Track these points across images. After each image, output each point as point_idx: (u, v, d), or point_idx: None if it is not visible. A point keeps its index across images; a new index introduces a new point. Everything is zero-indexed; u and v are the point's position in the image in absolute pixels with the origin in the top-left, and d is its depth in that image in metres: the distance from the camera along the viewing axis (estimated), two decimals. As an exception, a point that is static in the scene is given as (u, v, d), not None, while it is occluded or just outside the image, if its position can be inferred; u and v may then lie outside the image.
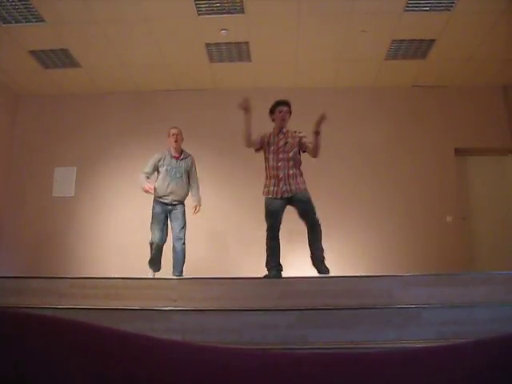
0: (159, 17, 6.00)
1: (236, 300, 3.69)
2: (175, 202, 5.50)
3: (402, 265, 6.67)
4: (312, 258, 4.72)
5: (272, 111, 5.02)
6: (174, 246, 5.50)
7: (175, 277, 5.25)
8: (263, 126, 7.67)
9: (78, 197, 7.58)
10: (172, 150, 5.62)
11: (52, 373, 0.95)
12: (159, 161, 5.56)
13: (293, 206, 4.81)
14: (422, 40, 6.50)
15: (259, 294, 3.77)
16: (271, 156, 4.87)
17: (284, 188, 4.75)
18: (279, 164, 4.79)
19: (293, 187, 4.74)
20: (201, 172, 7.56)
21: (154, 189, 5.44)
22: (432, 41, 6.50)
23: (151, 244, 5.45)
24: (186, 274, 5.74)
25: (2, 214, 7.53)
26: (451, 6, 5.74)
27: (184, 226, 5.56)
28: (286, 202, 4.80)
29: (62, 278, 4.48)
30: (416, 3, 5.72)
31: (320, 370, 1.01)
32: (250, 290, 3.85)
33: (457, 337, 2.95)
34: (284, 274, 4.95)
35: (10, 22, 6.01)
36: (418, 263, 6.70)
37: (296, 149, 4.84)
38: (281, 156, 4.80)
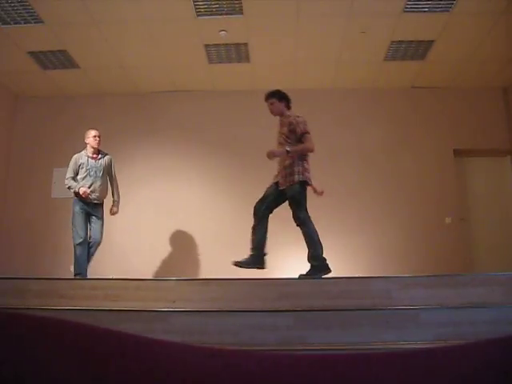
0: (158, 18, 6.00)
1: (235, 301, 3.69)
2: (96, 201, 5.61)
3: (401, 266, 6.68)
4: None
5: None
6: (89, 249, 5.53)
7: (78, 277, 5.26)
8: (262, 126, 7.69)
9: (77, 198, 7.57)
10: (89, 151, 5.71)
11: (51, 374, 0.95)
12: (77, 163, 5.64)
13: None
14: (421, 41, 6.50)
15: (258, 295, 3.77)
16: None
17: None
18: None
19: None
20: (200, 172, 7.59)
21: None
22: (431, 42, 6.51)
23: (79, 244, 5.44)
24: (185, 275, 5.72)
25: (2, 215, 7.52)
26: (450, 7, 5.75)
27: (102, 229, 5.67)
28: None
29: (61, 279, 4.48)
30: (415, 4, 5.72)
31: (319, 371, 1.01)
32: (249, 291, 3.85)
33: (455, 338, 2.95)
34: (283, 275, 4.95)
35: (9, 23, 6.01)
36: (417, 264, 6.71)
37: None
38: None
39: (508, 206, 7.44)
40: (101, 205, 5.69)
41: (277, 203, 4.89)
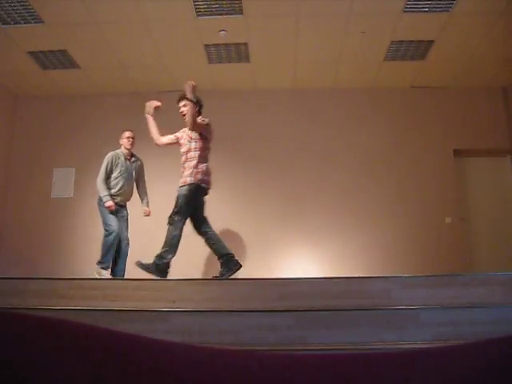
0: (158, 18, 6.00)
1: (235, 301, 3.69)
2: (122, 203, 5.69)
3: (401, 266, 6.68)
4: None
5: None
6: (121, 249, 5.59)
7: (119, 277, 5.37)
8: (262, 125, 7.70)
9: (77, 198, 7.56)
10: (125, 152, 5.75)
11: (51, 374, 0.95)
12: (114, 162, 5.63)
13: None
14: (421, 41, 6.50)
15: (258, 295, 3.77)
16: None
17: None
18: None
19: None
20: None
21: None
22: (431, 42, 6.51)
23: (110, 234, 5.44)
24: (184, 275, 5.69)
25: (1, 215, 7.52)
26: (450, 7, 5.75)
27: (128, 228, 5.78)
28: None
29: (60, 279, 4.47)
30: (415, 4, 5.72)
31: (319, 371, 1.01)
32: (249, 291, 3.85)
33: (455, 338, 2.95)
34: (283, 274, 4.96)
35: (9, 23, 6.01)
36: (417, 264, 6.71)
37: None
38: None
39: (508, 206, 7.43)
40: (125, 206, 5.77)
41: (199, 209, 4.97)
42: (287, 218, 7.37)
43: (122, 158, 5.68)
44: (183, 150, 4.93)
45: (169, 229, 4.73)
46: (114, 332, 1.04)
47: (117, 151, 5.74)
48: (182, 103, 5.03)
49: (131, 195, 5.81)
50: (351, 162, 7.55)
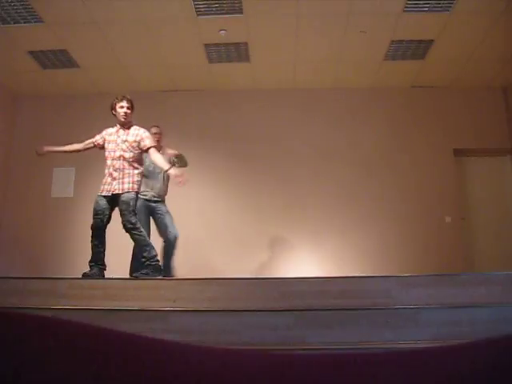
0: (158, 17, 6.00)
1: (235, 300, 3.69)
2: (155, 199, 5.54)
3: (400, 265, 6.68)
4: None
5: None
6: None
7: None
8: (262, 124, 7.70)
9: (77, 197, 7.56)
10: None
11: (51, 374, 0.95)
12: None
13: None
14: (421, 40, 6.51)
15: (258, 294, 3.77)
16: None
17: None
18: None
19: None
20: (199, 171, 7.59)
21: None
22: (431, 41, 6.51)
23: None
24: (184, 275, 5.70)
25: (1, 214, 7.52)
26: (450, 7, 5.75)
27: None
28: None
29: (60, 278, 4.47)
30: (415, 4, 5.72)
31: (319, 371, 1.01)
32: (249, 290, 3.85)
33: (455, 337, 2.95)
34: (283, 274, 4.95)
35: (9, 23, 6.01)
36: (416, 264, 6.71)
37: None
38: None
39: (508, 206, 7.44)
40: (160, 201, 5.66)
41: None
42: (287, 217, 7.37)
43: None
44: (117, 154, 4.86)
45: (133, 234, 4.55)
46: (113, 332, 1.04)
47: None
48: (128, 104, 5.12)
49: (164, 191, 5.65)
50: (351, 162, 7.55)
